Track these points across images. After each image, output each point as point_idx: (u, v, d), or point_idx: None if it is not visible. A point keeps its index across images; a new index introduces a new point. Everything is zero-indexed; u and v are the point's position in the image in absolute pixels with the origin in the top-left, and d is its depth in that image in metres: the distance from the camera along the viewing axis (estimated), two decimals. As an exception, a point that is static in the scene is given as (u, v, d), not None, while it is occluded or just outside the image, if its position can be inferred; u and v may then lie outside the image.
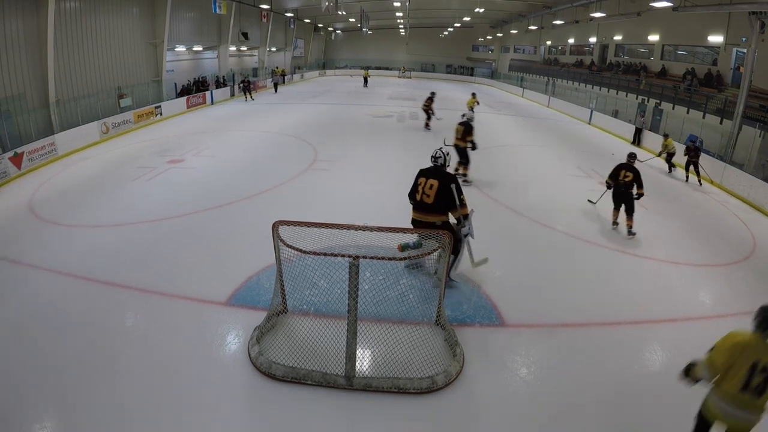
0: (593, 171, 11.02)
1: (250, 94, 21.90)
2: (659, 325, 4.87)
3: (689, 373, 2.95)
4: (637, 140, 15.30)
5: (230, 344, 4.24)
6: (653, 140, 14.21)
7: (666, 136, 12.46)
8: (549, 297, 5.27)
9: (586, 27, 24.50)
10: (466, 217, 4.95)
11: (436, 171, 4.95)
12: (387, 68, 41.93)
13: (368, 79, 31.92)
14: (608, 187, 7.30)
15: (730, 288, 5.76)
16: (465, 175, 9.19)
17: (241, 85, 22.24)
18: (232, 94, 22.37)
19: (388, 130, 15.24)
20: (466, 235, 5.00)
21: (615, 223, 7.25)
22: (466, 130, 9.02)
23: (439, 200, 4.79)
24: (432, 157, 5.09)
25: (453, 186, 4.83)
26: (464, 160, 9.21)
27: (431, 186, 4.81)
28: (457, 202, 4.84)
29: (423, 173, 5.01)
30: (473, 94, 17.85)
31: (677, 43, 19.12)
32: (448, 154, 5.09)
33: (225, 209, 7.49)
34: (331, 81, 34.92)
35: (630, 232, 6.91)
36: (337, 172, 9.73)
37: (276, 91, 25.06)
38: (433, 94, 15.23)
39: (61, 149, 10.81)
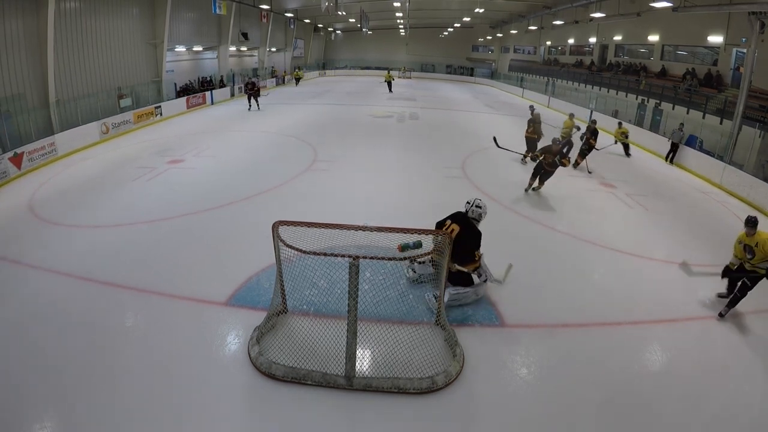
0: (593, 171, 11.01)
1: (256, 100, 18.24)
2: (659, 325, 4.87)
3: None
4: (671, 157, 12.72)
5: (230, 344, 4.24)
6: (692, 159, 12.12)
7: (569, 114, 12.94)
8: (549, 297, 5.27)
9: (585, 27, 24.49)
10: (474, 271, 4.79)
11: (464, 219, 4.86)
12: (387, 69, 41.93)
13: (392, 83, 27.26)
14: (533, 159, 9.41)
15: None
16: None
17: (246, 88, 18.65)
18: (232, 95, 22.34)
19: (388, 130, 15.24)
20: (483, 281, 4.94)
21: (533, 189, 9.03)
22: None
23: (454, 244, 4.50)
24: (467, 202, 5.03)
25: (475, 239, 4.75)
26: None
27: (452, 231, 4.68)
28: (471, 256, 4.71)
29: (452, 216, 4.93)
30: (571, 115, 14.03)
31: (677, 44, 19.11)
32: (483, 211, 4.96)
33: (225, 209, 7.49)
34: (331, 81, 34.91)
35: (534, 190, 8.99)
36: (337, 173, 9.74)
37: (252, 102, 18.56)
38: (594, 121, 12.18)
39: (61, 149, 10.81)
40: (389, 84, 27.05)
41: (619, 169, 11.56)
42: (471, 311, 4.84)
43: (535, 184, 8.91)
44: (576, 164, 10.92)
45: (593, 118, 12.15)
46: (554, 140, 8.64)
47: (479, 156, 11.63)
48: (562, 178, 9.88)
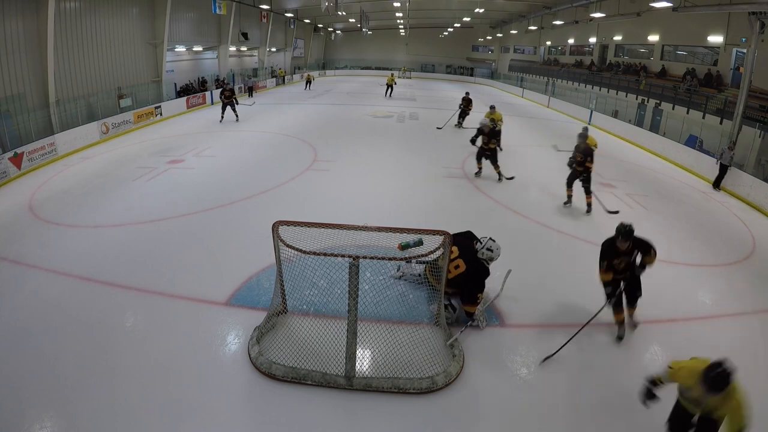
0: (593, 171, 11.00)
1: (234, 109, 15.03)
2: (659, 325, 4.87)
3: None
4: (719, 182, 10.46)
5: (230, 344, 4.24)
6: (741, 183, 9.97)
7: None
8: (549, 297, 5.26)
9: (585, 27, 24.50)
10: (470, 315, 4.55)
11: (473, 259, 4.61)
12: (391, 70, 41.89)
13: (394, 86, 24.43)
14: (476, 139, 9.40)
15: (730, 288, 5.76)
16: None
17: (222, 95, 15.00)
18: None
19: (388, 130, 15.24)
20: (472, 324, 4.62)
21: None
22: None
23: (457, 281, 4.51)
24: (479, 241, 4.77)
25: (479, 280, 4.50)
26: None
27: (457, 266, 4.52)
28: (472, 298, 4.49)
29: (457, 243, 4.52)
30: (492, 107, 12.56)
31: (677, 44, 19.12)
32: (495, 255, 4.68)
33: (225, 209, 7.49)
34: (331, 81, 34.90)
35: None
36: (337, 173, 9.74)
37: (227, 111, 15.18)
38: (584, 134, 8.76)
39: (61, 149, 10.82)
40: (390, 87, 24.24)
41: (619, 169, 11.56)
42: (471, 311, 4.84)
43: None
44: (588, 207, 8.07)
45: (587, 133, 8.80)
46: (621, 234, 4.33)
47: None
48: (561, 178, 9.88)
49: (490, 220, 7.34)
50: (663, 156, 13.35)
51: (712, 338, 4.74)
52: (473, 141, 9.81)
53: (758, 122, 12.00)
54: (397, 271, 5.28)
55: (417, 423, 3.48)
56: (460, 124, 15.58)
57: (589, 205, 8.02)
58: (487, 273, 4.61)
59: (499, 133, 11.49)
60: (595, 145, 9.05)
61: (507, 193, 8.90)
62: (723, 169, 10.36)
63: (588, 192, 7.99)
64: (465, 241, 4.79)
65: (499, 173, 9.52)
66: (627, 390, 3.90)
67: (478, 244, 4.79)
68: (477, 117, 12.31)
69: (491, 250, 4.73)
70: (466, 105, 15.57)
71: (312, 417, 3.48)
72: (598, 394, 3.83)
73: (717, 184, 10.51)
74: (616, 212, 8.00)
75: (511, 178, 9.59)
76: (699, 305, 5.38)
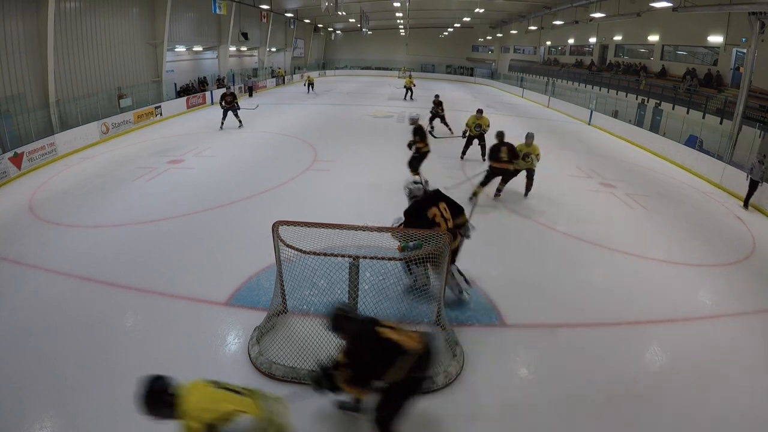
0: (593, 171, 11.02)
1: (236, 114, 13.96)
2: (659, 325, 4.87)
3: None
4: (748, 199, 9.23)
5: (230, 344, 4.24)
6: (744, 185, 9.28)
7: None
8: (549, 297, 5.26)
9: (585, 27, 24.50)
10: (465, 224, 4.72)
11: (435, 196, 4.73)
12: (387, 69, 41.88)
13: (413, 89, 23.29)
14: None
15: (730, 288, 5.76)
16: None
17: (223, 100, 13.83)
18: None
19: (388, 130, 15.24)
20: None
21: None
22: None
23: (454, 218, 4.65)
24: (417, 188, 4.84)
25: (454, 202, 4.67)
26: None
27: (445, 209, 4.55)
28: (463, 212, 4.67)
29: (428, 204, 4.55)
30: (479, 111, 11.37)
31: (677, 44, 19.14)
32: (426, 181, 4.78)
33: (225, 209, 7.49)
34: (331, 81, 34.88)
35: None
36: (337, 173, 9.74)
37: (228, 117, 14.05)
38: (501, 133, 8.56)
39: (61, 149, 10.82)
40: (410, 90, 23.12)
41: (619, 169, 11.56)
42: (471, 311, 4.84)
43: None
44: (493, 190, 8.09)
45: (531, 138, 8.64)
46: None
47: (479, 156, 11.61)
48: (561, 178, 9.90)
49: (490, 220, 7.35)
50: (663, 156, 13.35)
51: (712, 338, 4.75)
52: (410, 145, 8.80)
53: (758, 122, 12.01)
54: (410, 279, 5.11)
55: (417, 423, 3.47)
56: (432, 129, 13.97)
57: (475, 194, 7.77)
58: (437, 191, 4.85)
59: (480, 137, 10.94)
60: (537, 155, 8.55)
61: (507, 193, 8.89)
62: (753, 186, 9.07)
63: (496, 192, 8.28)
64: (424, 203, 4.71)
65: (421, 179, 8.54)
66: (627, 390, 3.90)
67: (419, 183, 4.93)
68: (455, 117, 12.20)
69: (411, 189, 4.90)
70: (436, 108, 14.44)
71: (312, 417, 3.48)
72: (598, 395, 3.83)
73: (747, 202, 9.25)
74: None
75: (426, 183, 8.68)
76: (699, 305, 5.39)
